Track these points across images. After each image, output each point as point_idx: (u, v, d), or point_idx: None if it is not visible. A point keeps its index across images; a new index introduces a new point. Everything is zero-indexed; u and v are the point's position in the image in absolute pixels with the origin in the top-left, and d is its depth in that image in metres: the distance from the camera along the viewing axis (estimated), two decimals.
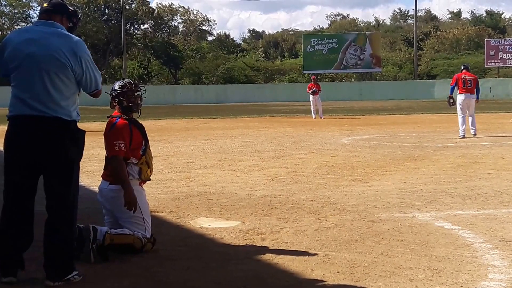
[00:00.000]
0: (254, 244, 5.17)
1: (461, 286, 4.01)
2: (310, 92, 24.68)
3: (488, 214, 6.17)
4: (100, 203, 5.07)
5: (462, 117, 14.70)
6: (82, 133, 4.25)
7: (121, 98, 4.96)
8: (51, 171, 4.11)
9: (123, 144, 4.81)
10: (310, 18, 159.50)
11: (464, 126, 14.57)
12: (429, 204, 6.67)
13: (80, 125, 4.30)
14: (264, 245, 5.12)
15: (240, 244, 5.17)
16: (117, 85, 5.04)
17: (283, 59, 78.62)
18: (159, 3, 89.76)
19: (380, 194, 7.32)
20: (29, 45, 4.08)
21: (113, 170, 4.83)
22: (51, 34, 4.13)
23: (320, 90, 24.80)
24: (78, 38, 4.26)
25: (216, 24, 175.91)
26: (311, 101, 24.72)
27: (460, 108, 14.82)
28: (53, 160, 4.09)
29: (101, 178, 5.05)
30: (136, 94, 5.03)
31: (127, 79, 5.17)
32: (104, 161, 5.05)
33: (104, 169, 5.02)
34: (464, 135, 14.44)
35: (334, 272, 4.32)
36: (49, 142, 4.06)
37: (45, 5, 4.23)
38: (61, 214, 4.15)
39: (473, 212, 6.29)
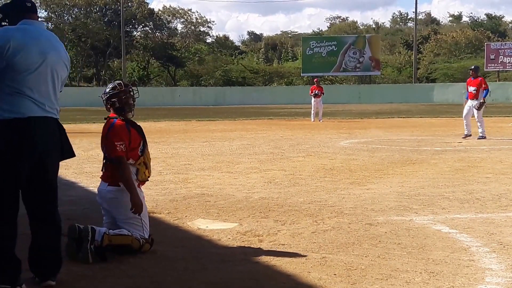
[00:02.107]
0: (251, 246, 5.17)
1: None
2: (312, 94, 24.72)
3: (486, 218, 6.18)
4: (100, 204, 5.08)
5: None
6: None
7: (113, 100, 4.95)
8: (50, 169, 4.07)
9: (124, 145, 4.80)
10: (309, 21, 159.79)
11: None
12: (426, 208, 6.68)
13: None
14: (261, 247, 5.13)
15: (237, 246, 5.18)
16: (108, 88, 5.04)
17: (282, 61, 78.67)
18: (164, 5, 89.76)
19: (377, 197, 7.33)
20: (43, 47, 3.94)
21: (120, 172, 4.78)
22: (51, 36, 4.10)
23: (323, 93, 24.81)
24: None
25: (215, 24, 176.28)
26: (313, 104, 24.74)
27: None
28: (55, 159, 4.11)
29: (100, 179, 5.06)
30: (127, 94, 5.00)
31: (117, 80, 5.18)
32: (102, 162, 5.06)
33: (102, 170, 5.02)
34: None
35: (331, 275, 4.32)
36: (58, 141, 4.09)
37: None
38: (54, 212, 4.13)
39: (471, 216, 6.29)
